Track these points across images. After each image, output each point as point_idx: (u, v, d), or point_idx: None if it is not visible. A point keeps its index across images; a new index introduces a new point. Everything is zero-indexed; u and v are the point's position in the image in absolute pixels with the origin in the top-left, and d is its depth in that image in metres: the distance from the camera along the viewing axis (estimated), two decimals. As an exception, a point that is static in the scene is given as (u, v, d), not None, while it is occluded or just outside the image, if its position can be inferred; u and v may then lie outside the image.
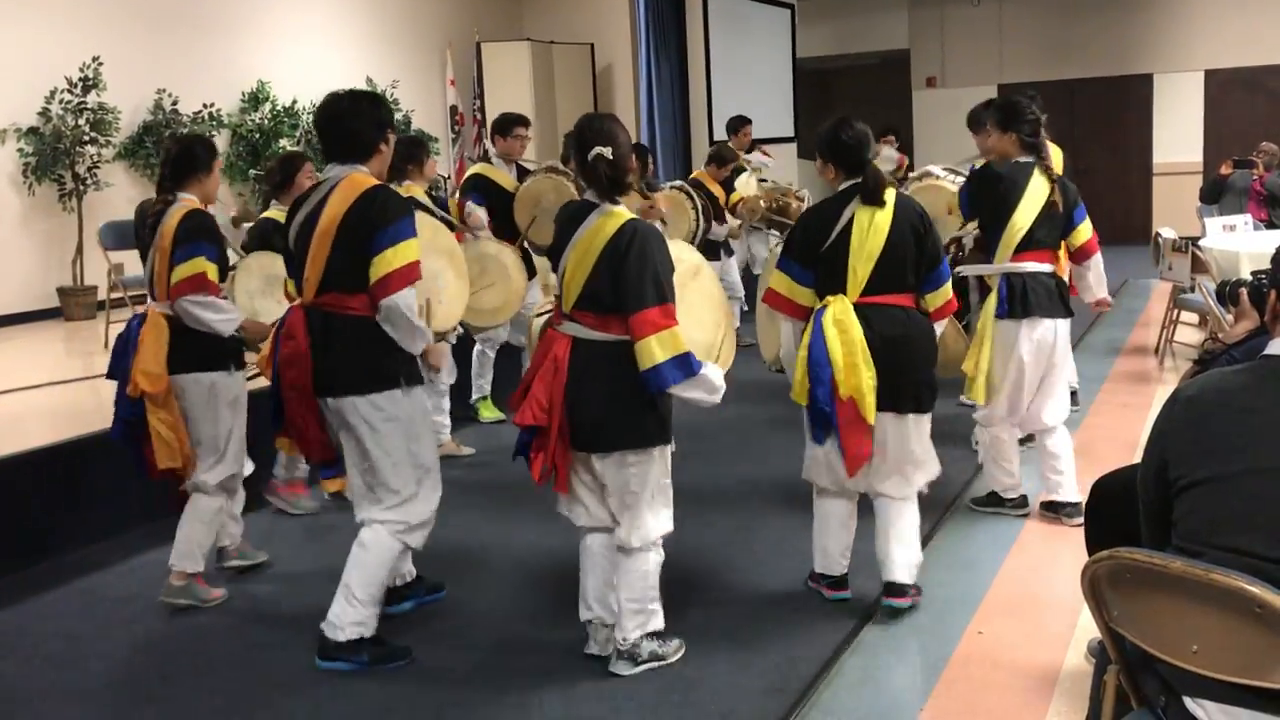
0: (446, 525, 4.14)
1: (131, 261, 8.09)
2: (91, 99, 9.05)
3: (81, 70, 8.97)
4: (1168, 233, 7.79)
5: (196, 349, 4.08)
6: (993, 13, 15.18)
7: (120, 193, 9.52)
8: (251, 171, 9.80)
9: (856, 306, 3.68)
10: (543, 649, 3.68)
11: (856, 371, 3.60)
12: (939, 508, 4.81)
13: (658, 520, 3.43)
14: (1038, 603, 3.92)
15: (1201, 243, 7.63)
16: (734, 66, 12.43)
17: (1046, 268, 4.53)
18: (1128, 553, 2.01)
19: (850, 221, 3.70)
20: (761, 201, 8.31)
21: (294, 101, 10.99)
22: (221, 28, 10.48)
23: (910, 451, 3.81)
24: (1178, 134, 14.50)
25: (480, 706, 3.34)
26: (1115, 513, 2.76)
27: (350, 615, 3.55)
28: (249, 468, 4.47)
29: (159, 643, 3.95)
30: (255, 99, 10.71)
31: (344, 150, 3.59)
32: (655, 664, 3.46)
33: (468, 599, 4.16)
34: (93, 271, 8.99)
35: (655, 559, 3.45)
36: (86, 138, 9.01)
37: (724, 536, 4.62)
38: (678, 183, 7.98)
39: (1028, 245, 4.47)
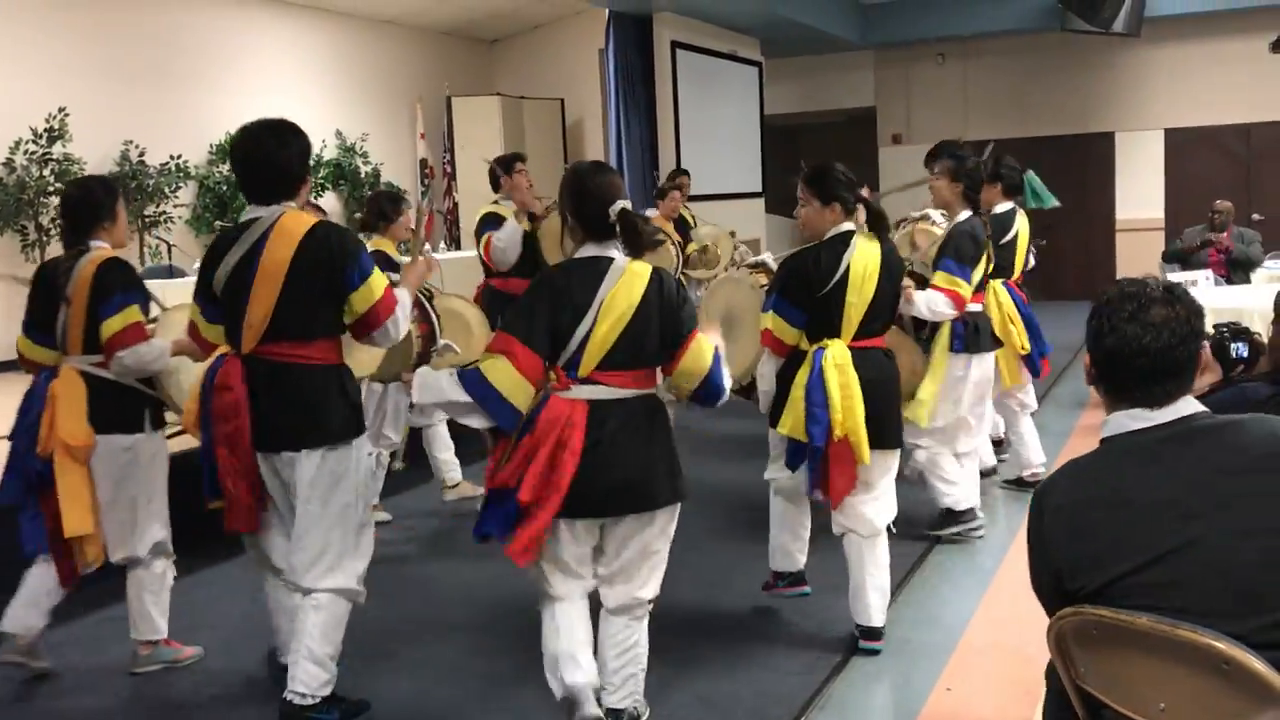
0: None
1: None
2: (57, 149, 9.01)
3: (47, 121, 8.94)
4: (1131, 287, 7.85)
5: (113, 409, 3.82)
6: (957, 71, 15.42)
7: (84, 244, 9.44)
8: (218, 223, 9.76)
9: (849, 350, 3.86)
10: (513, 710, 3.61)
11: (853, 414, 3.76)
12: (908, 561, 4.79)
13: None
14: (1006, 658, 3.88)
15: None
16: (703, 122, 12.51)
17: (980, 307, 5.11)
18: (1094, 609, 1.99)
19: (848, 269, 3.83)
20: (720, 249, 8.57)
21: (263, 154, 10.99)
22: (190, 80, 10.50)
23: (887, 486, 3.99)
24: (1140, 191, 14.71)
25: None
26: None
27: (321, 677, 3.38)
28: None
29: (119, 699, 3.84)
30: (223, 151, 10.70)
31: (271, 190, 3.38)
32: None
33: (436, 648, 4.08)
34: (54, 323, 8.87)
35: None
36: (51, 189, 8.95)
37: (694, 580, 4.56)
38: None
39: (977, 289, 4.96)
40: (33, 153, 8.91)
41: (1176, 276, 8.68)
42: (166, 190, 9.98)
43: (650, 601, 3.27)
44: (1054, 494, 2.11)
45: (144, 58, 10.06)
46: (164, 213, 9.95)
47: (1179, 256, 9.65)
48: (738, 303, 4.59)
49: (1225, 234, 9.39)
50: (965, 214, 4.90)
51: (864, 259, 3.85)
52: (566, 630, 3.19)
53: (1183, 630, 1.85)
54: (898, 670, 3.83)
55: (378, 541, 3.70)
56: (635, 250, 3.20)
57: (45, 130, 8.94)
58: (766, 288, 4.17)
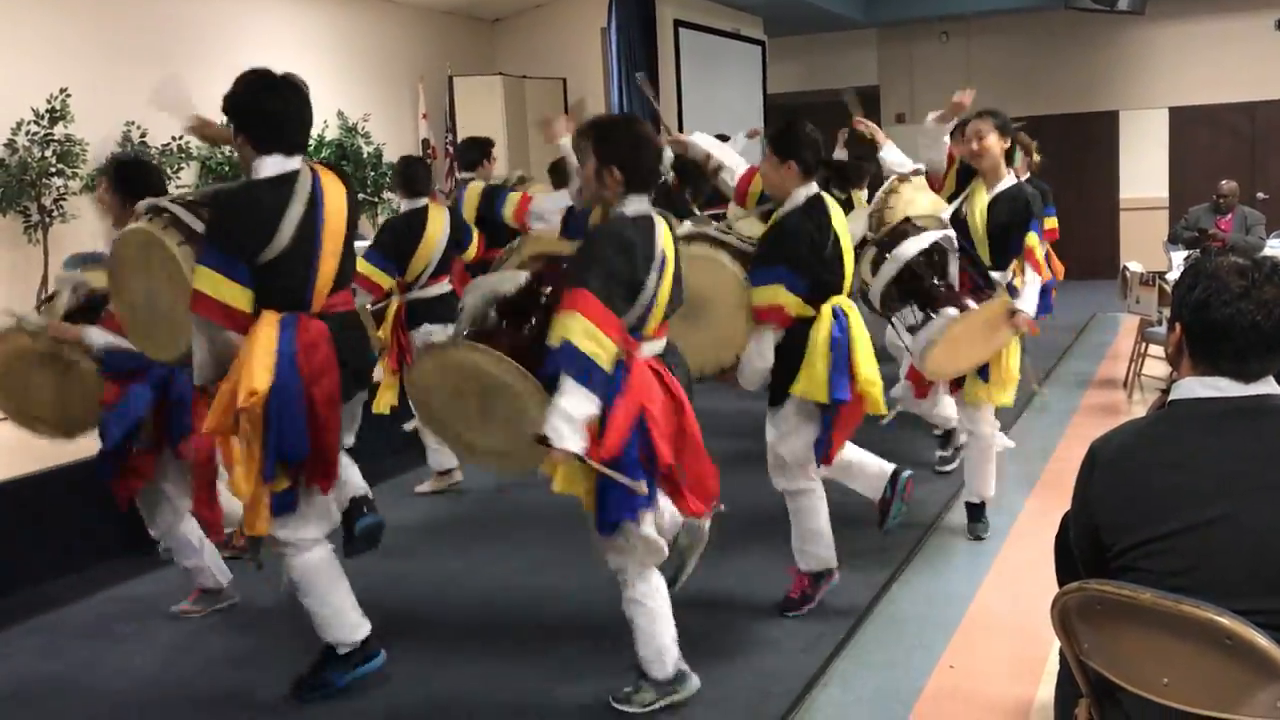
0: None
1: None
2: (59, 131, 8.98)
3: (49, 102, 8.90)
4: (1135, 266, 7.87)
5: None
6: (960, 50, 15.36)
7: (86, 225, 9.42)
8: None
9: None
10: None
11: (872, 365, 3.80)
12: (911, 540, 4.80)
13: None
14: (1010, 635, 3.89)
15: (1168, 276, 7.70)
16: (706, 101, 12.48)
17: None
18: (1098, 584, 2.00)
19: (836, 230, 3.80)
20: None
21: (264, 134, 10.97)
22: (192, 61, 10.44)
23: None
24: (1144, 169, 14.66)
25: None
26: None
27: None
28: None
29: (122, 677, 3.86)
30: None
31: (304, 139, 3.42)
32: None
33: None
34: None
35: None
36: (53, 169, 8.93)
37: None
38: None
39: None
40: (34, 134, 8.88)
41: (1180, 254, 8.67)
42: (169, 171, 9.94)
43: None
44: (1109, 448, 2.12)
45: (146, 38, 10.03)
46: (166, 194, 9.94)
47: (1187, 241, 9.60)
48: (707, 284, 3.80)
49: (1229, 215, 9.36)
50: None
51: (840, 219, 3.82)
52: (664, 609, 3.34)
53: (1185, 605, 1.85)
54: (900, 647, 3.84)
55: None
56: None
57: (47, 111, 8.90)
58: (753, 262, 3.80)
